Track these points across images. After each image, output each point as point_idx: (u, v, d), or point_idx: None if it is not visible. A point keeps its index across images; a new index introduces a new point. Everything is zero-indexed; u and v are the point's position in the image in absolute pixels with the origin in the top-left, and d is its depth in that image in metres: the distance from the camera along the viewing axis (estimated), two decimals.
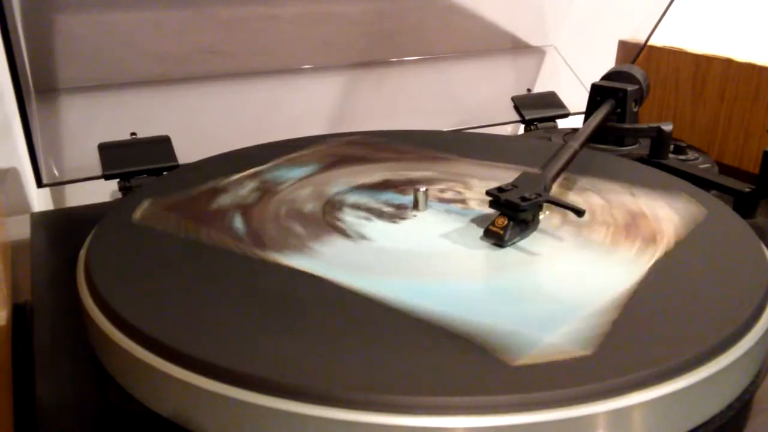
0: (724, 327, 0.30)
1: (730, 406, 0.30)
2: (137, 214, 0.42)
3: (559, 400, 0.26)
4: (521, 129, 0.74)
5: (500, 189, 0.39)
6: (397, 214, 0.43)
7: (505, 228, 0.38)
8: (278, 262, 0.36)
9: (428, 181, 0.48)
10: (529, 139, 0.67)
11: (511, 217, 0.38)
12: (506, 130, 0.77)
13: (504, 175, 0.46)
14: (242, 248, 0.38)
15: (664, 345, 0.29)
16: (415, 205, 0.43)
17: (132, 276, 0.35)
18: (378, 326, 0.31)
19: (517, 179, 0.41)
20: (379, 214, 0.43)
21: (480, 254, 0.38)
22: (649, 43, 0.75)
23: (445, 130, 0.69)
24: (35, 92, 0.57)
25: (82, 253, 0.38)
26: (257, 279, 0.35)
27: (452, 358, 0.28)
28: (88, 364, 0.34)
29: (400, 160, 0.53)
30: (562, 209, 0.40)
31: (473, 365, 0.28)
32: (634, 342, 0.30)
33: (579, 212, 0.38)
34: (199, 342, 0.29)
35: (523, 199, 0.38)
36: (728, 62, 0.68)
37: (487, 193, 0.39)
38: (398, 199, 0.45)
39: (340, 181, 0.48)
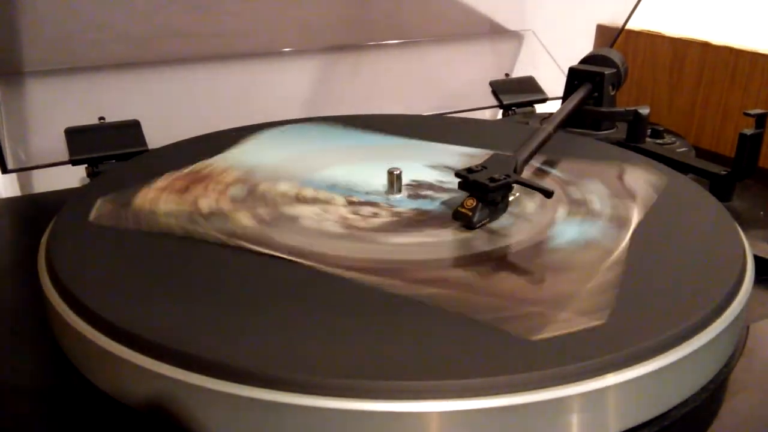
0: (698, 308, 0.30)
1: (704, 388, 0.30)
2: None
3: (532, 383, 0.26)
4: (499, 114, 0.74)
5: (469, 170, 0.39)
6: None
7: (473, 209, 0.37)
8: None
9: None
10: None
11: (479, 199, 0.37)
12: (484, 115, 0.76)
13: None
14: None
15: (637, 327, 0.29)
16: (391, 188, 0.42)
17: (93, 262, 0.34)
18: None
19: (486, 160, 0.40)
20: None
21: None
22: (627, 27, 0.74)
23: (423, 114, 0.69)
24: None
25: (44, 239, 0.37)
26: (221, 264, 0.34)
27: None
28: (50, 351, 0.33)
29: None
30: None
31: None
32: (606, 324, 0.29)
33: (548, 193, 0.37)
34: (160, 328, 0.28)
35: (492, 180, 0.37)
36: (705, 45, 0.67)
37: (456, 174, 0.39)
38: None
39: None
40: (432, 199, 0.42)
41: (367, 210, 0.40)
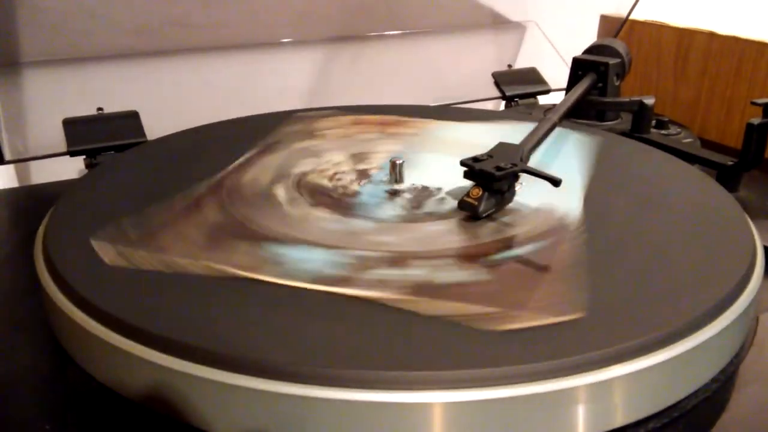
0: (708, 299, 0.29)
1: (714, 379, 0.30)
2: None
3: (540, 373, 0.25)
4: (502, 105, 0.73)
5: (475, 159, 0.38)
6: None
7: (479, 199, 0.36)
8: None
9: None
10: None
11: (485, 188, 0.37)
12: (487, 107, 0.76)
13: None
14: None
15: (647, 317, 0.28)
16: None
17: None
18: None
19: (492, 149, 0.40)
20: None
21: None
22: (631, 17, 0.74)
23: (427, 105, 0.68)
24: None
25: (41, 230, 0.37)
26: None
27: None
28: (46, 342, 0.33)
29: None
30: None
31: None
32: (616, 314, 0.29)
33: (555, 182, 0.36)
34: (157, 318, 0.28)
35: (498, 168, 0.37)
36: (711, 36, 0.67)
37: (462, 163, 0.38)
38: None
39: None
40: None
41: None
